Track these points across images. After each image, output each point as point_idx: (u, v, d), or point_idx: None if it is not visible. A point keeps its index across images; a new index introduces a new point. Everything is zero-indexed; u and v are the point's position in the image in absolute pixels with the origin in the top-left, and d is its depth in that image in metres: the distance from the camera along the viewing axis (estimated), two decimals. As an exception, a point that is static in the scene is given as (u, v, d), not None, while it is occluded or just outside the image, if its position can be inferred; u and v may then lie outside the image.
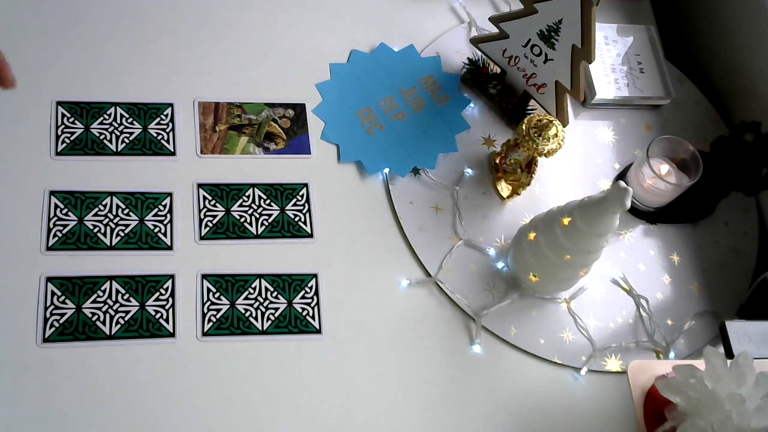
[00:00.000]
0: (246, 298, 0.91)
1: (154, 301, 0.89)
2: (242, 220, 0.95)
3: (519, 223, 1.01)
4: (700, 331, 0.99)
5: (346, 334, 0.91)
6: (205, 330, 0.89)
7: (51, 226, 0.91)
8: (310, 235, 0.96)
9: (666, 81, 1.13)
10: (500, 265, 0.98)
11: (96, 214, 0.93)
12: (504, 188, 1.03)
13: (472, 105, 1.09)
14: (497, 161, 1.03)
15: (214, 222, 0.95)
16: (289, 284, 0.93)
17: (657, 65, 1.14)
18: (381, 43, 1.11)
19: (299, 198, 0.98)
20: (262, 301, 0.91)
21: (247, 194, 0.97)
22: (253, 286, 0.92)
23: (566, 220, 0.84)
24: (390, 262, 0.96)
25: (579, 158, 1.08)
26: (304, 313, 0.91)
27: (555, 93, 1.01)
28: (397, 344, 0.92)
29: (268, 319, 0.90)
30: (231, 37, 1.08)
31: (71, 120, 0.98)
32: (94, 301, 0.88)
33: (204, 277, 0.91)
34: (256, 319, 0.90)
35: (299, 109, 1.04)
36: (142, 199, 0.94)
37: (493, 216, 1.02)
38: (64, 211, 0.92)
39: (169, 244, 0.93)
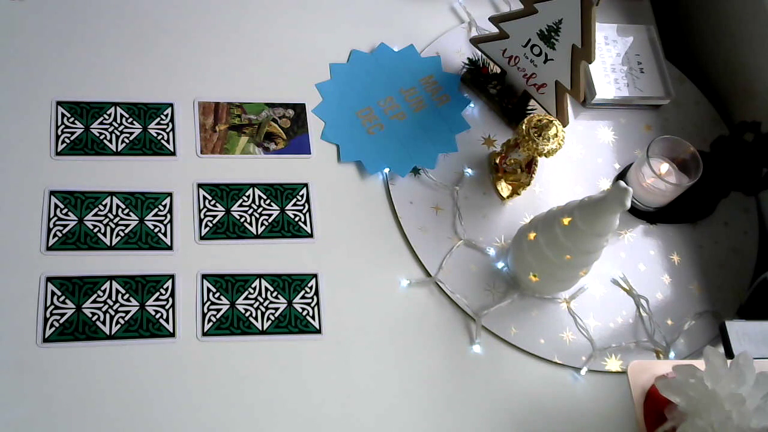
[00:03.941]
0: (246, 298, 0.91)
1: (154, 301, 0.89)
2: (242, 220, 0.95)
3: (519, 223, 1.01)
4: (700, 331, 0.99)
5: (346, 334, 0.91)
6: (205, 330, 0.89)
7: (51, 226, 0.91)
8: (310, 235, 0.96)
9: (666, 81, 1.13)
10: (500, 265, 0.98)
11: (96, 214, 0.93)
12: (504, 188, 1.03)
13: (472, 105, 1.09)
14: (497, 161, 1.03)
15: (214, 222, 0.95)
16: (289, 284, 0.93)
17: (657, 65, 1.14)
18: (381, 43, 1.11)
19: (299, 198, 0.98)
20: (262, 301, 0.91)
21: (247, 194, 0.97)
22: (253, 286, 0.92)
23: (566, 220, 0.84)
24: (390, 262, 0.96)
25: (579, 158, 1.08)
26: (304, 313, 0.91)
27: (555, 93, 1.01)
28: (397, 344, 0.92)
29: (268, 319, 0.90)
30: (231, 37, 1.08)
31: (71, 120, 0.98)
32: (94, 301, 0.88)
33: (204, 277, 0.91)
34: (256, 319, 0.90)
35: (299, 109, 1.04)
36: (142, 199, 0.94)
37: (493, 216, 1.02)
38: (64, 211, 0.92)
39: (169, 244, 0.93)
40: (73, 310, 0.87)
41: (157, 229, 0.93)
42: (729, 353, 0.82)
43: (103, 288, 0.89)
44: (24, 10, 1.04)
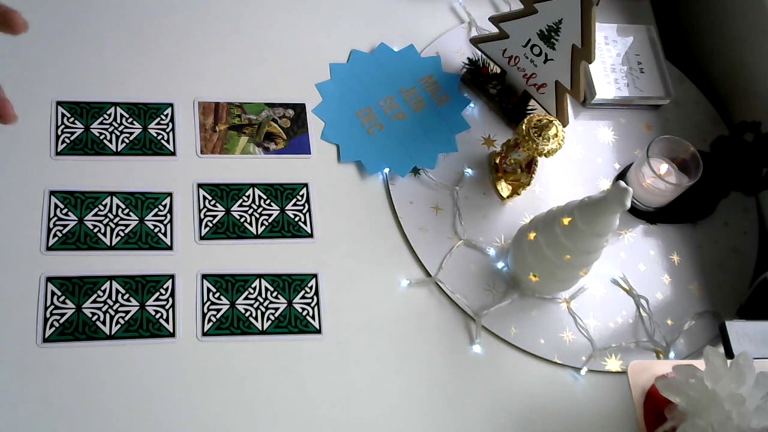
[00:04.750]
0: (246, 298, 0.91)
1: (154, 301, 0.89)
2: (242, 220, 0.96)
3: (519, 223, 1.01)
4: (700, 331, 0.99)
5: (346, 334, 0.91)
6: (205, 330, 0.89)
7: (51, 226, 0.91)
8: (310, 235, 0.96)
9: (666, 81, 1.13)
10: (500, 265, 0.98)
11: (96, 214, 0.93)
12: (504, 188, 1.03)
13: (472, 105, 1.09)
14: (497, 161, 1.03)
15: (214, 222, 0.95)
16: (289, 284, 0.93)
17: (657, 65, 1.14)
18: (381, 43, 1.11)
19: (299, 198, 0.98)
20: (262, 301, 0.91)
21: (247, 194, 0.97)
22: (253, 286, 0.92)
23: (566, 220, 0.84)
24: (390, 262, 0.96)
25: (579, 158, 1.08)
26: (304, 313, 0.91)
27: (555, 93, 1.01)
28: (397, 344, 0.92)
29: (268, 319, 0.90)
30: (231, 37, 1.08)
31: (71, 120, 0.98)
32: (94, 301, 0.88)
33: (204, 277, 0.91)
34: (256, 319, 0.90)
35: (299, 109, 1.05)
36: (142, 199, 0.94)
37: (493, 216, 1.02)
38: (64, 211, 0.92)
39: (169, 244, 0.93)
40: (73, 310, 0.87)
41: (157, 229, 0.93)
42: (729, 353, 0.82)
43: (103, 288, 0.89)
44: (24, 10, 1.04)
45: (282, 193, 0.98)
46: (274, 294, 0.92)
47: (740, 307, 1.01)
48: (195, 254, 0.93)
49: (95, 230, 0.92)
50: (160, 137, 0.99)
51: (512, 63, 1.05)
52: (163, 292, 0.90)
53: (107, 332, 0.87)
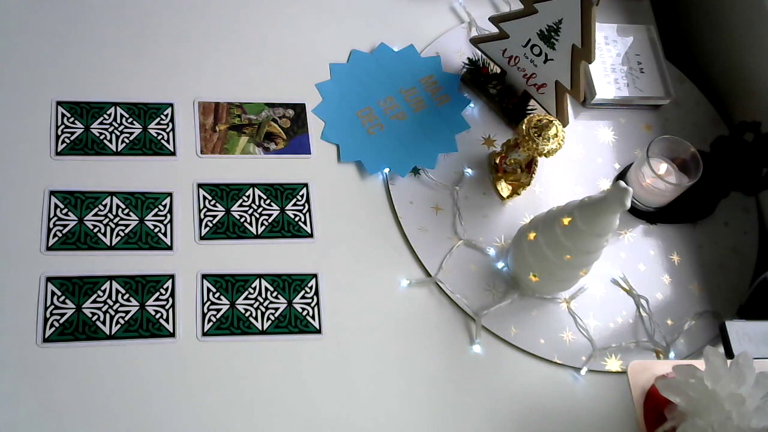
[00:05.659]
0: (246, 298, 0.91)
1: (154, 301, 0.89)
2: (242, 220, 0.96)
3: (519, 223, 1.01)
4: (700, 331, 0.99)
5: (346, 334, 0.91)
6: (205, 330, 0.89)
7: (51, 226, 0.91)
8: (310, 235, 0.96)
9: (666, 81, 1.13)
10: (500, 265, 0.98)
11: (96, 214, 0.93)
12: (504, 188, 1.03)
13: (472, 105, 1.09)
14: (497, 161, 1.03)
15: (214, 222, 0.95)
16: (289, 284, 0.93)
17: (657, 65, 1.14)
18: (381, 43, 1.11)
19: (299, 198, 0.98)
20: (262, 301, 0.91)
21: (247, 194, 0.97)
22: (253, 286, 0.92)
23: (566, 220, 0.84)
24: (390, 262, 0.96)
25: (579, 158, 1.08)
26: (304, 313, 0.92)
27: (555, 93, 1.01)
28: (397, 344, 0.92)
29: (268, 319, 0.90)
30: (231, 37, 1.08)
31: (71, 120, 0.98)
32: (94, 301, 0.88)
33: (204, 277, 0.91)
34: (256, 319, 0.90)
35: (299, 109, 1.05)
36: (142, 199, 0.94)
37: (493, 216, 1.02)
38: (64, 211, 0.92)
39: (169, 244, 0.93)
40: (73, 310, 0.87)
41: (157, 229, 0.93)
42: (729, 353, 0.82)
43: (103, 288, 0.89)
44: (24, 10, 1.04)
45: (282, 193, 0.98)
46: (274, 294, 0.92)
47: (740, 307, 1.01)
48: (195, 254, 0.93)
49: (95, 230, 0.92)
50: (160, 137, 0.99)
51: (512, 63, 1.05)
52: (163, 292, 0.90)
53: (107, 332, 0.87)
